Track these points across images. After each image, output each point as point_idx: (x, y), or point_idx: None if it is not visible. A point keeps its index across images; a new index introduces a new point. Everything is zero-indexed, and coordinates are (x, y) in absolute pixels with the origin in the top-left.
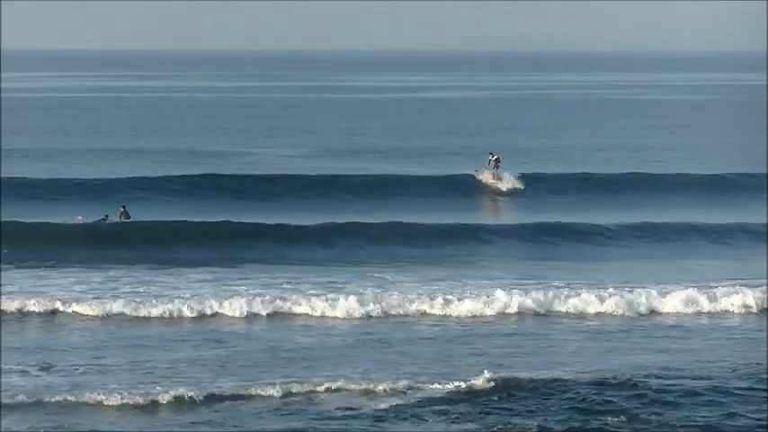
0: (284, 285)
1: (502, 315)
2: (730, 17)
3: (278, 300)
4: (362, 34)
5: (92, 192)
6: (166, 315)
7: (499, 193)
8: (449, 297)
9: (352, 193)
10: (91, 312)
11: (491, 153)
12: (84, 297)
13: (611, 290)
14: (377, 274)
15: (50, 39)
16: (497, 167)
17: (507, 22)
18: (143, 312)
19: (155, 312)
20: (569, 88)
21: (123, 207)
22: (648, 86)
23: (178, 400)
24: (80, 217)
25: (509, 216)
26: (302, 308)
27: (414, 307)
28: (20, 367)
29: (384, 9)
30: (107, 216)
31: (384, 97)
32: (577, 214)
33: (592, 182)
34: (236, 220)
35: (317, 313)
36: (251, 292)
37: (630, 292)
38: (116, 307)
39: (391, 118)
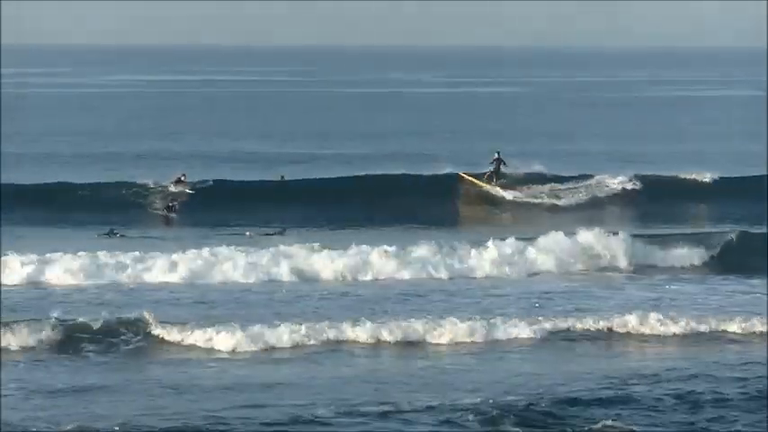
0: None
1: None
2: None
3: None
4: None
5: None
6: None
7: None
8: None
9: None
10: None
11: (497, 152)
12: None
13: None
14: None
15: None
16: (498, 170)
17: (521, 21)
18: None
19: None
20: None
21: (183, 175)
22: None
23: None
24: (249, 232)
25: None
26: None
27: None
28: None
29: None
30: (112, 230)
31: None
32: None
33: None
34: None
35: None
36: None
37: None
38: None
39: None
